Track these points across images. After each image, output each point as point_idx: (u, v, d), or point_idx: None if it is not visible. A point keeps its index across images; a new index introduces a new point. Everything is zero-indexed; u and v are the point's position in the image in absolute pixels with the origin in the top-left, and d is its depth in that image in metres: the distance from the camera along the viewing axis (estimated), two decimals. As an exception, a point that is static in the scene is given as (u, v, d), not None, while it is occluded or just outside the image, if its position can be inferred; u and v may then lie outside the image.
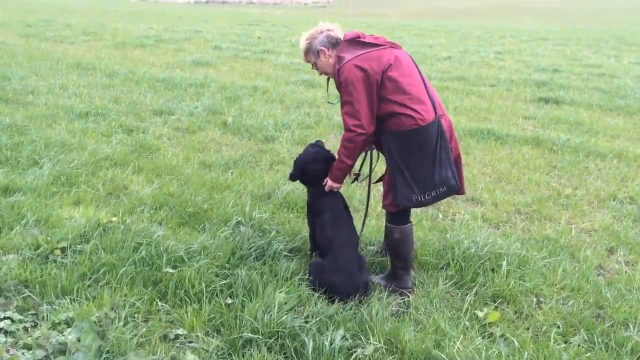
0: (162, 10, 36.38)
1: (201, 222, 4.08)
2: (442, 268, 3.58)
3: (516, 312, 3.19)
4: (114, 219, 3.93)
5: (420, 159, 3.09)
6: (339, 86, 3.14)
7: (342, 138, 3.17)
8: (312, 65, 3.34)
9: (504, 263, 3.54)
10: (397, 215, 3.30)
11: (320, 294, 3.13)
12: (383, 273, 3.51)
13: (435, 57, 14.20)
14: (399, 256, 3.35)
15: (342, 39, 3.20)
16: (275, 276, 3.32)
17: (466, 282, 3.42)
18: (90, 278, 3.21)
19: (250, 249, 3.63)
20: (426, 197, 3.14)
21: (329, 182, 3.37)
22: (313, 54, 3.26)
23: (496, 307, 3.20)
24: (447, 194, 3.22)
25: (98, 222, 3.82)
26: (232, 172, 5.24)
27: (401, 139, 3.08)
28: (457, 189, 3.22)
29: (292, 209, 4.44)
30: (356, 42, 3.13)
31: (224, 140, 6.37)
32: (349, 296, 3.12)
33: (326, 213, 3.38)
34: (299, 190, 4.72)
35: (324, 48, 3.22)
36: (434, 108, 3.09)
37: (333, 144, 6.43)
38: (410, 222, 3.36)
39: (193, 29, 20.21)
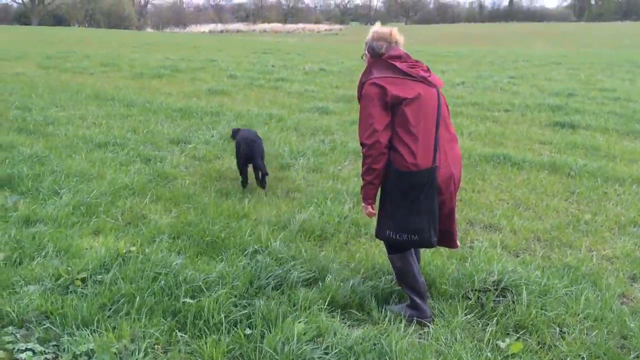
0: (178, 40, 37.12)
1: (219, 251, 4.09)
2: (461, 297, 3.54)
3: (539, 343, 3.13)
4: (133, 248, 3.96)
5: (402, 200, 3.13)
6: (359, 99, 3.20)
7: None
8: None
9: (525, 292, 3.50)
10: (393, 246, 3.32)
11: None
12: (402, 303, 3.48)
13: (449, 82, 14.26)
14: (408, 285, 3.33)
15: (385, 54, 3.22)
16: (294, 306, 3.31)
17: (487, 311, 3.38)
18: (110, 309, 3.22)
19: (268, 278, 3.62)
20: (398, 237, 3.19)
21: (362, 205, 3.37)
22: (365, 49, 3.35)
23: (518, 337, 3.15)
24: (418, 244, 3.26)
25: (117, 252, 3.85)
26: (248, 201, 5.27)
27: (391, 175, 3.13)
28: (429, 243, 3.23)
29: (309, 237, 4.44)
30: (392, 64, 3.15)
31: (240, 169, 6.41)
32: None
33: None
34: (316, 218, 4.73)
35: (368, 54, 3.30)
36: (434, 158, 3.09)
37: (348, 170, 6.46)
38: (409, 248, 3.34)
39: (208, 58, 20.57)
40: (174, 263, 3.71)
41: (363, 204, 3.32)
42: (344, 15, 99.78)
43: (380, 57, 3.22)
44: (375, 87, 3.07)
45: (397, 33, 3.27)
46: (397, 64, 3.14)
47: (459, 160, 3.29)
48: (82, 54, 20.97)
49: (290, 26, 70.99)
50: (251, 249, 4.04)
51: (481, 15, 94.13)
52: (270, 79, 14.72)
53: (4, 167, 5.77)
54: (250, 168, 5.65)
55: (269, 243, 4.15)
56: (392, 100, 3.04)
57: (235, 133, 6.00)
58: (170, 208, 5.01)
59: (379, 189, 3.25)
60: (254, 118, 9.16)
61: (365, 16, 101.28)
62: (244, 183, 5.66)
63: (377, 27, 3.33)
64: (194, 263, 3.85)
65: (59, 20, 70.39)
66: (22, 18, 72.42)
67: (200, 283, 3.47)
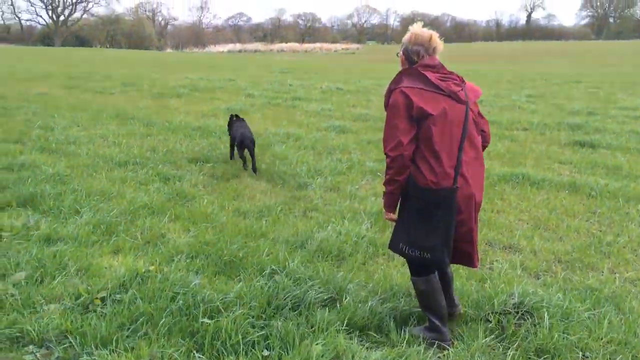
0: (197, 59, 37.67)
1: (236, 270, 4.10)
2: (481, 320, 3.49)
3: (561, 368, 3.07)
4: (152, 267, 3.98)
5: (419, 215, 3.10)
6: (385, 106, 3.13)
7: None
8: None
9: (546, 315, 3.44)
10: (418, 267, 3.27)
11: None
12: (421, 325, 3.44)
13: (466, 101, 14.21)
14: (430, 308, 3.29)
15: (419, 60, 3.13)
16: (312, 327, 3.29)
17: (507, 335, 3.32)
18: (128, 328, 3.24)
19: (285, 298, 3.61)
20: (410, 252, 3.15)
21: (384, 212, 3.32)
22: (401, 49, 3.23)
23: (540, 361, 3.09)
24: (430, 262, 3.19)
25: (136, 271, 3.88)
26: (266, 220, 5.28)
27: (411, 188, 3.09)
28: (440, 264, 3.20)
29: (327, 257, 4.43)
30: (423, 74, 3.05)
31: (258, 187, 6.45)
32: None
33: None
34: (333, 238, 4.72)
35: (402, 56, 3.21)
36: (455, 178, 3.02)
37: (366, 189, 6.46)
38: (434, 271, 3.29)
39: (226, 77, 20.81)
40: (192, 283, 3.72)
41: (387, 213, 3.27)
42: (361, 35, 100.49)
43: (414, 64, 3.13)
44: (402, 96, 3.00)
45: (437, 38, 3.15)
46: (429, 74, 3.05)
47: (481, 180, 3.21)
48: (104, 74, 21.36)
49: (307, 45, 71.72)
50: (269, 269, 4.04)
51: (498, 34, 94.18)
52: (287, 98, 14.83)
53: (27, 186, 5.87)
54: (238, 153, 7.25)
55: (287, 263, 4.15)
56: (417, 113, 2.97)
57: (231, 120, 7.86)
58: (189, 227, 5.04)
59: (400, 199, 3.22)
60: (272, 137, 9.22)
61: (382, 35, 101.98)
62: (245, 164, 7.28)
63: (417, 29, 3.17)
64: (211, 283, 3.86)
65: (81, 41, 72.08)
66: (45, 39, 74.36)
67: (218, 303, 3.47)
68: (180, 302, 3.47)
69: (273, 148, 8.42)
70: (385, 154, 3.07)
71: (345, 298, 3.66)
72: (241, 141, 7.16)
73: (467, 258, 3.32)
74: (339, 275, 4.01)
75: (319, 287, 3.78)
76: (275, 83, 19.08)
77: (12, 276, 3.82)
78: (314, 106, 13.22)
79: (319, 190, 6.34)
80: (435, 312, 3.28)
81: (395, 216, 3.24)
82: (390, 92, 3.09)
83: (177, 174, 6.84)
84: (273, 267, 4.07)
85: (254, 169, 7.09)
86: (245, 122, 7.70)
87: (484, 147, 3.29)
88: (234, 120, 7.80)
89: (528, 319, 3.48)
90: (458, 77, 3.17)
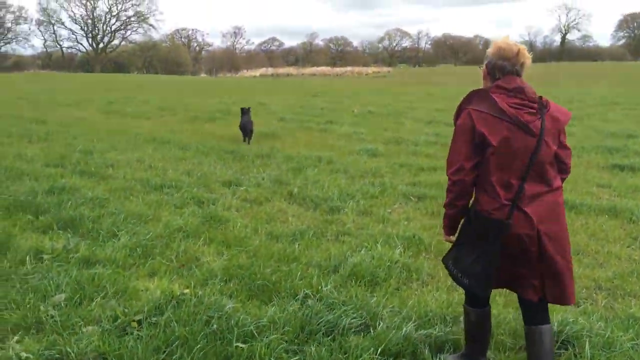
0: (231, 84, 38.40)
1: (270, 294, 4.11)
2: (519, 349, 3.41)
3: (605, 401, 2.96)
4: (187, 290, 4.03)
5: (469, 237, 2.98)
6: (454, 122, 2.96)
7: None
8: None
9: (588, 344, 3.33)
10: (474, 297, 3.13)
11: None
12: (457, 352, 3.38)
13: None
14: (475, 340, 3.21)
15: (498, 77, 2.90)
16: (345, 353, 3.27)
17: (547, 365, 3.23)
18: (164, 351, 3.27)
19: (319, 324, 3.60)
20: (453, 271, 3.04)
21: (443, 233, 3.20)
22: (485, 61, 2.99)
23: (582, 394, 2.99)
24: (468, 288, 3.04)
25: (172, 294, 3.93)
26: (298, 244, 5.29)
27: (472, 210, 2.98)
28: (479, 290, 2.99)
29: (360, 282, 4.40)
30: (492, 97, 2.82)
31: (290, 211, 6.49)
32: None
33: None
34: (366, 262, 4.69)
35: (485, 70, 2.98)
36: (510, 213, 2.80)
37: (398, 213, 6.42)
38: (489, 304, 3.19)
39: (259, 101, 21.13)
40: (226, 307, 3.74)
41: (445, 235, 3.16)
42: (392, 58, 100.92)
43: (496, 80, 2.89)
44: (468, 119, 2.83)
45: (526, 53, 2.89)
46: (499, 98, 2.81)
47: (553, 214, 2.89)
48: (141, 99, 21.98)
49: (338, 69, 72.26)
50: (302, 293, 4.04)
51: (532, 55, 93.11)
52: (319, 122, 14.95)
53: (67, 209, 6.04)
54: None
55: (320, 287, 4.14)
56: (479, 139, 2.80)
57: (241, 112, 11.81)
58: (222, 251, 5.09)
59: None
60: (304, 160, 9.28)
61: (413, 58, 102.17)
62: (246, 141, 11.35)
63: (503, 42, 2.92)
64: (245, 307, 3.88)
65: (119, 67, 74.43)
66: (85, 65, 77.09)
67: (252, 327, 3.48)
68: (215, 325, 3.50)
69: (305, 171, 8.47)
70: (447, 175, 2.94)
71: (379, 324, 3.63)
72: (243, 128, 11.54)
73: (559, 294, 2.96)
74: (373, 301, 3.97)
75: (353, 313, 3.75)
76: (307, 106, 19.28)
77: (52, 298, 3.91)
78: (346, 129, 13.29)
79: (351, 214, 6.33)
80: (477, 342, 3.20)
81: (453, 239, 3.11)
82: (459, 110, 2.93)
83: (211, 197, 6.94)
84: (306, 291, 4.07)
85: (248, 142, 11.35)
86: (249, 115, 11.69)
87: (563, 179, 3.01)
88: (243, 113, 11.72)
89: (569, 348, 3.38)
90: (541, 101, 2.88)
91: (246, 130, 11.46)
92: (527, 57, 2.89)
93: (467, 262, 2.97)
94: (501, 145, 2.77)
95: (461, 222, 3.08)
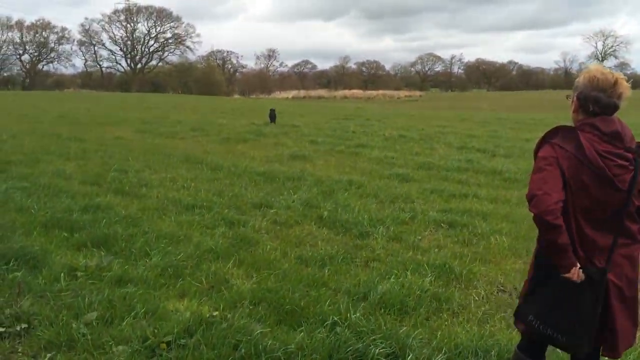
0: (263, 105, 38.86)
1: (298, 319, 4.09)
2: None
3: None
4: (216, 313, 4.04)
5: (556, 286, 2.62)
6: (534, 156, 2.70)
7: None
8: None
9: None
10: (531, 344, 2.87)
11: None
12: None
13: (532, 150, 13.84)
14: None
15: (593, 109, 2.58)
16: (373, 384, 3.22)
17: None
18: (192, 375, 3.28)
19: (347, 352, 3.56)
20: (541, 328, 2.66)
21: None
22: (574, 93, 2.68)
23: None
24: (564, 348, 2.74)
25: (201, 317, 3.95)
26: (327, 269, 5.27)
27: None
28: (578, 349, 2.65)
29: (389, 310, 4.34)
30: (579, 139, 2.54)
31: (319, 235, 6.48)
32: None
33: None
34: (396, 290, 4.63)
35: (576, 102, 2.64)
36: (590, 259, 2.57)
37: (429, 241, 6.35)
38: (544, 357, 2.95)
39: (291, 123, 21.32)
40: (256, 332, 3.74)
41: (563, 273, 2.61)
42: (424, 82, 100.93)
43: (589, 113, 2.59)
44: (552, 150, 2.55)
45: (624, 83, 2.55)
46: (589, 140, 2.51)
47: (628, 268, 2.65)
48: (175, 119, 22.41)
49: (370, 92, 72.67)
50: (330, 320, 4.00)
51: (567, 83, 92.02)
52: (350, 145, 14.97)
53: (102, 227, 6.16)
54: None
55: (348, 314, 4.10)
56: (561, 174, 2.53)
57: (271, 110, 21.16)
58: (252, 273, 5.10)
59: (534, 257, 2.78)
60: (334, 184, 9.28)
61: (445, 82, 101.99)
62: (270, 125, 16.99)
63: (597, 70, 2.59)
64: (273, 331, 3.87)
65: (155, 87, 76.37)
66: (123, 85, 79.49)
67: (280, 353, 3.47)
68: (243, 350, 3.49)
69: (335, 195, 8.46)
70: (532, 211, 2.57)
71: (408, 355, 3.57)
72: (270, 116, 20.53)
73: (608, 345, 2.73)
74: (402, 330, 3.91)
75: (381, 342, 3.70)
76: (338, 129, 19.35)
77: (84, 316, 3.97)
78: (377, 153, 13.27)
79: (381, 240, 6.28)
80: None
81: (579, 276, 2.58)
82: (542, 142, 2.65)
83: (242, 218, 6.98)
84: (335, 318, 4.03)
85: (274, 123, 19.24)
86: (274, 112, 21.01)
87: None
88: (271, 110, 20.84)
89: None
90: (639, 149, 2.59)
91: (272, 118, 20.58)
92: (626, 87, 2.57)
93: (559, 317, 2.62)
94: (580, 192, 2.52)
95: (535, 268, 2.80)
